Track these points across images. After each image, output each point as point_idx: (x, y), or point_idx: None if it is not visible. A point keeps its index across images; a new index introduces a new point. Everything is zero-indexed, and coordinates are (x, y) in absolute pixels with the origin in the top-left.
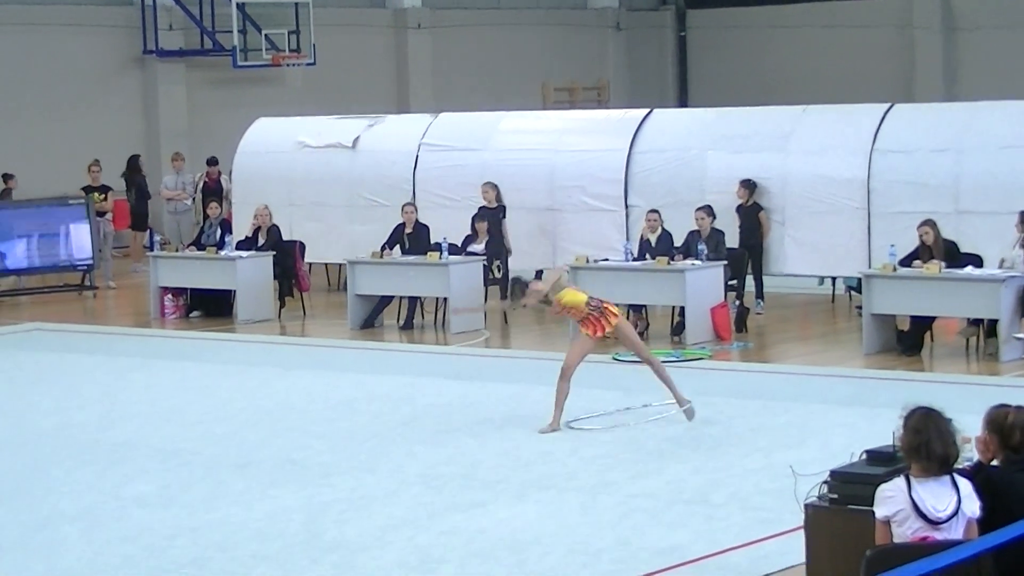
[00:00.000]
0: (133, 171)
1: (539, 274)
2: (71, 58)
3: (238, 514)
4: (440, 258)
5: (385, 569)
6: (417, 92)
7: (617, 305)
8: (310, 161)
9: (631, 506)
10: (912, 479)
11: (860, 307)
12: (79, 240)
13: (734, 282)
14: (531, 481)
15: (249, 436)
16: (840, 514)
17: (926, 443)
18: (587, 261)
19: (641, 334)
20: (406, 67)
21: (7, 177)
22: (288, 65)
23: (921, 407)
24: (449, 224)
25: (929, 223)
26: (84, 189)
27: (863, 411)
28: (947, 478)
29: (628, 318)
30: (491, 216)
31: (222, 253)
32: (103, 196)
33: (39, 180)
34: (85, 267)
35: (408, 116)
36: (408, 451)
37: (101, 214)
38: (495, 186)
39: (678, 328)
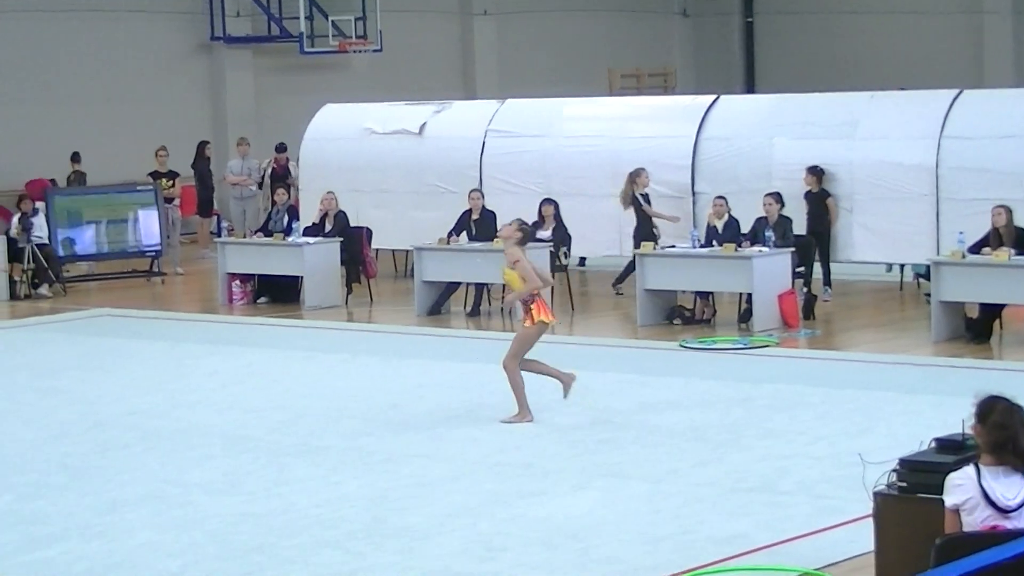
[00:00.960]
0: (199, 157)
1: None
2: (140, 45)
3: (302, 500)
4: None
5: (447, 556)
6: (483, 78)
7: (683, 292)
8: (376, 147)
9: (694, 494)
10: (982, 467)
11: (928, 294)
12: (147, 226)
13: (801, 269)
14: (593, 469)
15: (314, 423)
16: (909, 502)
17: (1013, 438)
18: (653, 248)
19: (708, 321)
20: (472, 53)
21: (75, 158)
22: (355, 51)
23: (1001, 399)
24: (515, 210)
25: (1004, 207)
26: (151, 175)
27: (931, 399)
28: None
29: (695, 305)
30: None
31: (289, 239)
32: (170, 182)
33: (108, 166)
34: (153, 253)
35: (474, 102)
36: (472, 438)
37: (169, 200)
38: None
39: (745, 315)
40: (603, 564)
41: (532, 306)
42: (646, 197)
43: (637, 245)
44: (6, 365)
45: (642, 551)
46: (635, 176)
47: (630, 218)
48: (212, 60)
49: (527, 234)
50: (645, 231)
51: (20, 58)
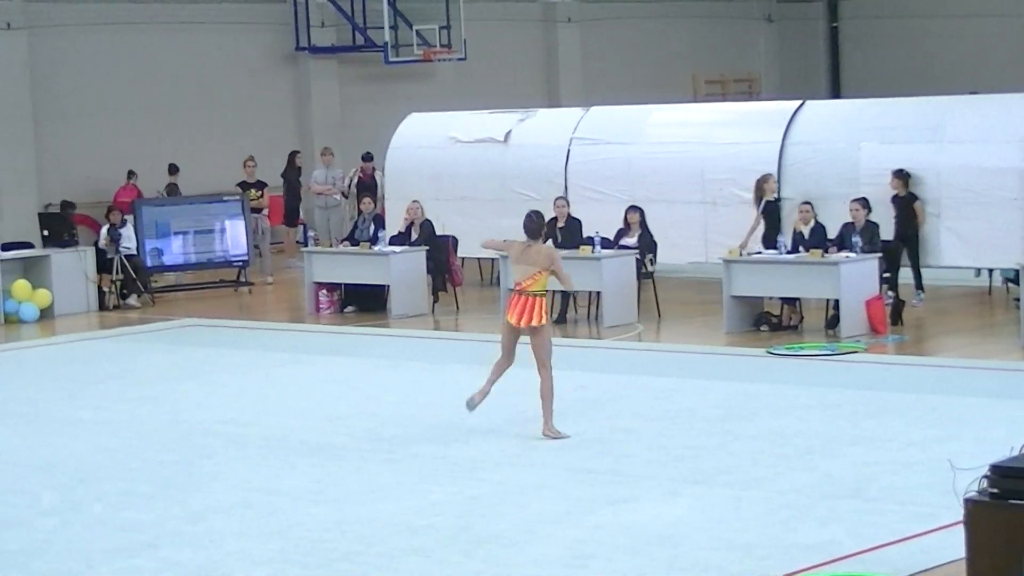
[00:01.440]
0: (289, 167)
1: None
2: (226, 56)
3: (389, 508)
4: (592, 252)
5: (535, 563)
6: (567, 86)
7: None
8: (462, 156)
9: (782, 501)
10: None
11: (1018, 299)
12: (235, 236)
13: (889, 274)
14: (681, 475)
15: (401, 430)
16: (1001, 509)
17: None
18: (740, 254)
19: (795, 327)
20: (556, 61)
21: (173, 169)
22: (439, 60)
23: None
24: (601, 218)
25: None
26: (240, 185)
27: (1021, 404)
28: None
29: (782, 311)
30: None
31: (375, 248)
32: (259, 192)
33: (196, 177)
34: (240, 263)
35: (559, 110)
36: (559, 445)
37: (258, 210)
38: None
39: (832, 321)
40: (692, 571)
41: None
42: (774, 203)
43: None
44: (96, 375)
45: (731, 558)
46: (763, 182)
47: (716, 224)
48: (297, 70)
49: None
50: (771, 237)
51: (112, 70)
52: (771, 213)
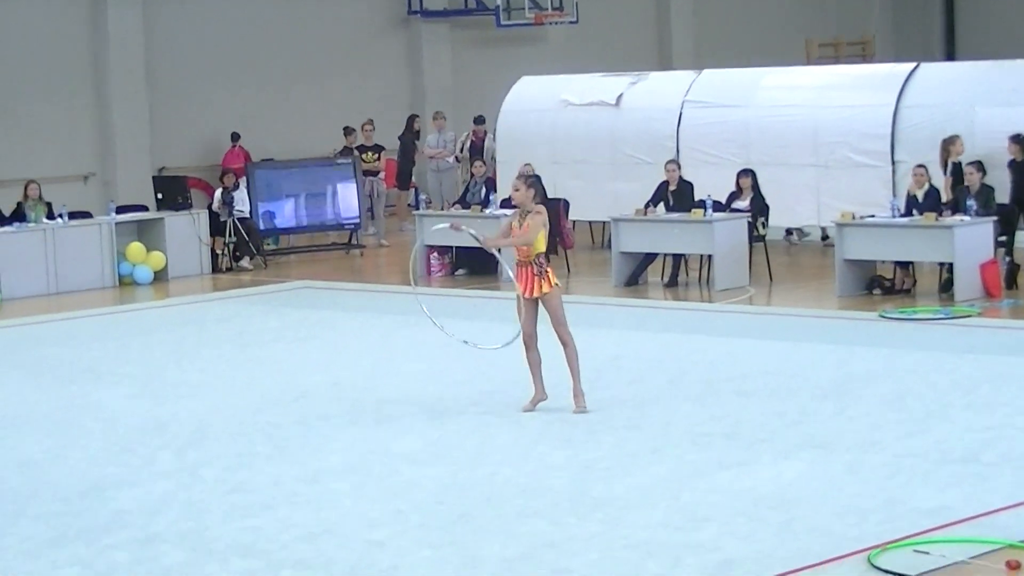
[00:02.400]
0: (407, 130)
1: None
2: (338, 20)
3: (505, 470)
4: (704, 215)
5: (651, 527)
6: (678, 49)
7: (882, 262)
8: (573, 119)
9: (899, 466)
10: None
11: None
12: (346, 199)
13: (1004, 238)
14: (796, 440)
15: (516, 393)
16: None
17: None
18: (852, 218)
19: (908, 291)
20: (668, 24)
21: (348, 131)
22: (551, 24)
23: None
24: (712, 181)
25: None
26: (357, 148)
27: None
28: None
29: (895, 275)
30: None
31: (487, 212)
32: (376, 156)
33: (308, 140)
34: (352, 226)
35: (671, 73)
36: (673, 409)
37: (374, 173)
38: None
39: (946, 285)
40: (807, 535)
41: (548, 269)
42: (957, 166)
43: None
44: (209, 337)
45: (847, 522)
46: (948, 143)
47: (828, 187)
48: (410, 34)
49: (540, 186)
50: (961, 201)
51: (224, 36)
52: (957, 175)
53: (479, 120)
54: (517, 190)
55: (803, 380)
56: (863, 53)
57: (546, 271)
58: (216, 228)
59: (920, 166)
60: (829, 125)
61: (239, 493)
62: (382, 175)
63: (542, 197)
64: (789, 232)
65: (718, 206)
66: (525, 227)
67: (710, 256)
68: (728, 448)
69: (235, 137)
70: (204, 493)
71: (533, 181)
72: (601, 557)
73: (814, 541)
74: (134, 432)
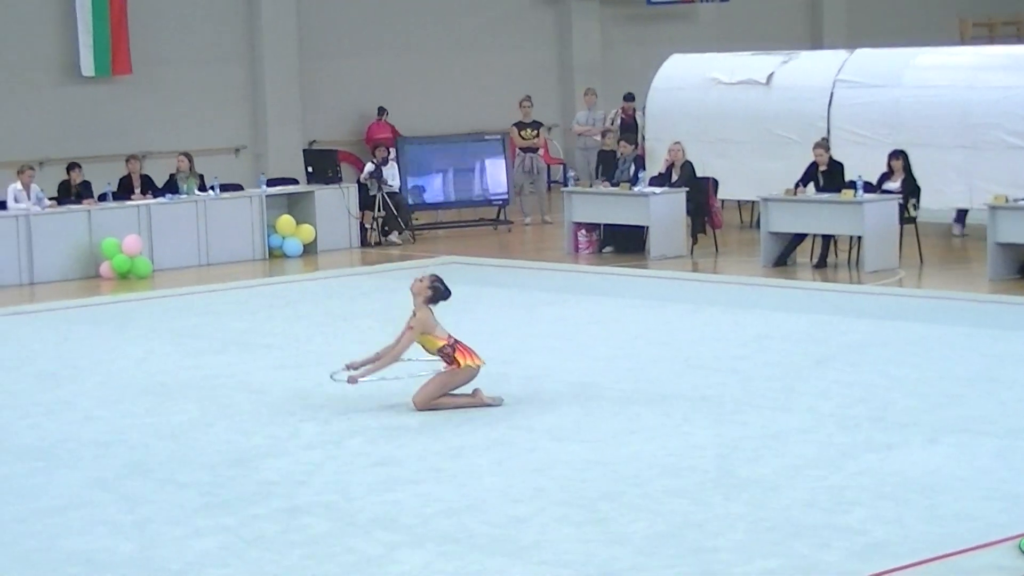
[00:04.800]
0: None
1: None
2: None
3: (650, 449)
4: (855, 196)
5: (797, 508)
6: (829, 28)
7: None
8: (723, 97)
9: None
10: None
11: None
12: (495, 176)
13: None
14: (944, 423)
15: (660, 372)
16: None
17: None
18: (1006, 201)
19: None
20: (819, 3)
21: (381, 111)
22: (701, 1)
23: None
24: (863, 161)
25: None
26: (515, 125)
27: None
28: None
29: None
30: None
31: (635, 189)
32: (534, 132)
33: (457, 116)
34: (500, 202)
35: (822, 52)
36: (820, 390)
37: (533, 150)
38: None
39: None
40: (955, 520)
41: (456, 355)
42: None
43: None
44: (357, 311)
45: (995, 508)
46: None
47: (980, 169)
48: (559, 11)
49: (438, 293)
50: None
51: (373, 11)
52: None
53: (629, 97)
54: (419, 280)
55: (953, 363)
56: (1018, 33)
57: (454, 358)
58: (365, 202)
59: None
60: (981, 106)
61: (383, 466)
62: (541, 151)
63: (439, 300)
64: (958, 220)
65: (869, 187)
66: (398, 342)
67: (859, 237)
68: (876, 431)
69: (381, 111)
70: (349, 465)
71: (433, 282)
72: (746, 537)
73: (961, 526)
74: (281, 403)
